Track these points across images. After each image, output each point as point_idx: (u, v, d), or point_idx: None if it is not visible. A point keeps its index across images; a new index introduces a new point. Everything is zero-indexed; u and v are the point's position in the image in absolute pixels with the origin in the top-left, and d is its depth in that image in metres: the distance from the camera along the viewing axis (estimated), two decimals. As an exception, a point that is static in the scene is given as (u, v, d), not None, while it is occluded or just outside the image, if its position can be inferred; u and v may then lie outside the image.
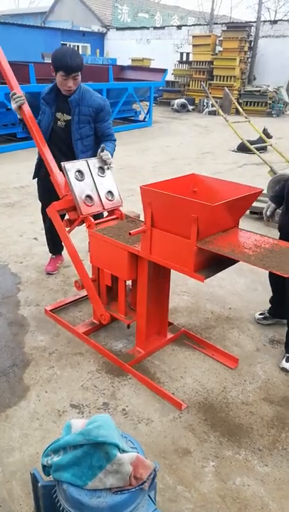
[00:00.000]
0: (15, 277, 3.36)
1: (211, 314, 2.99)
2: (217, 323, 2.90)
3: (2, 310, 2.91)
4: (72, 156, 2.84)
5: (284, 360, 2.47)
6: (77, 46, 20.02)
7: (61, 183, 2.59)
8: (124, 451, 1.22)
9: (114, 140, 2.92)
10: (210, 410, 2.15)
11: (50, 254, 3.51)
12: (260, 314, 2.90)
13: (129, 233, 2.04)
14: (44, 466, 1.31)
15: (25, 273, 3.43)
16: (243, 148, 8.33)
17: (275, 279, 2.70)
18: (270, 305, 2.87)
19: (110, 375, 2.36)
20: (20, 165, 6.78)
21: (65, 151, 2.90)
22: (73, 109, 2.76)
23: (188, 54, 16.69)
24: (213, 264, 2.04)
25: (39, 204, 3.34)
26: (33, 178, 3.16)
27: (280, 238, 2.43)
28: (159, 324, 2.54)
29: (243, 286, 3.41)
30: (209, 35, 15.94)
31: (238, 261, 2.05)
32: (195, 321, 2.89)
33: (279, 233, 2.57)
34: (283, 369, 2.44)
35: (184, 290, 3.26)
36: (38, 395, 2.20)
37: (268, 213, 2.62)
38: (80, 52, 19.95)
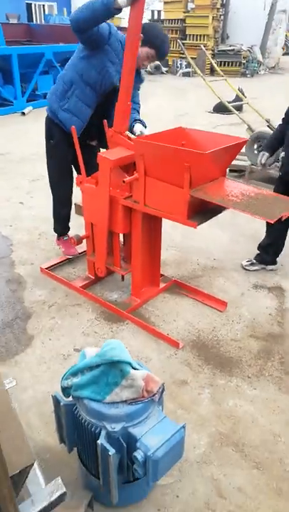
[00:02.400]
0: (6, 240, 3.42)
1: (198, 265, 3.17)
2: (204, 272, 3.08)
3: (-2, 270, 3.01)
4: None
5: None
6: (43, 6, 18.96)
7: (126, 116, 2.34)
8: (135, 369, 1.39)
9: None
10: (203, 347, 2.35)
11: (61, 237, 3.16)
12: (247, 261, 3.11)
13: (123, 181, 2.14)
14: (63, 389, 1.47)
15: (16, 235, 3.49)
16: (219, 109, 8.36)
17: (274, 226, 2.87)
18: (257, 252, 3.10)
19: (108, 321, 2.52)
20: (-4, 131, 6.63)
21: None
22: None
23: (159, 12, 16.13)
24: (202, 212, 2.18)
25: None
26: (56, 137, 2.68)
27: (284, 184, 2.72)
28: (152, 275, 2.70)
29: (226, 239, 3.59)
30: (181, -9, 15.39)
31: (225, 209, 2.20)
32: (183, 272, 3.07)
33: (281, 180, 2.80)
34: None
35: (171, 245, 3.41)
36: (42, 342, 2.35)
37: (263, 161, 2.87)
38: (47, 11, 18.95)
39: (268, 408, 1.98)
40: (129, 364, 1.35)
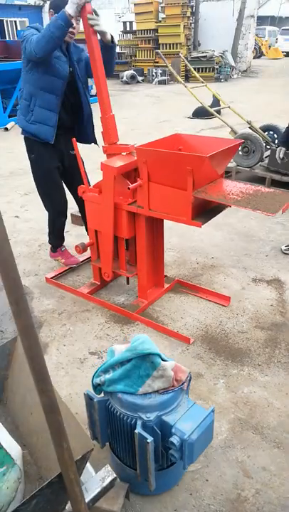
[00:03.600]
0: (8, 252, 3.46)
1: (197, 264, 3.29)
2: (204, 271, 3.19)
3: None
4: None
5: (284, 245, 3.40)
6: (15, 22, 19.06)
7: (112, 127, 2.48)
8: (164, 360, 1.48)
9: None
10: (212, 341, 2.46)
11: (58, 249, 3.20)
12: (285, 246, 3.42)
13: (128, 188, 2.24)
14: (95, 387, 1.55)
15: (16, 248, 3.54)
16: (198, 114, 8.58)
17: None
18: None
19: (119, 324, 2.60)
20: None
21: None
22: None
23: (131, 23, 16.44)
24: (204, 212, 2.30)
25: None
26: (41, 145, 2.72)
27: None
28: (156, 276, 2.80)
29: (221, 238, 3.73)
30: (151, 2, 15.70)
31: (225, 208, 2.33)
32: (184, 272, 3.17)
33: None
34: (281, 250, 3.39)
35: (169, 247, 3.52)
36: (57, 348, 2.41)
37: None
38: (19, 27, 19.02)
39: (281, 392, 2.09)
40: (159, 355, 1.44)
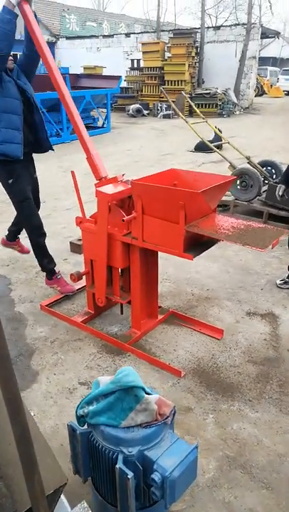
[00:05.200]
0: (5, 279, 3.50)
1: (192, 296, 3.30)
2: (198, 303, 3.20)
3: (-2, 309, 3.07)
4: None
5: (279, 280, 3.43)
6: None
7: (98, 163, 2.65)
8: (148, 394, 1.47)
9: None
10: (203, 374, 2.44)
11: (54, 276, 3.22)
12: (280, 280, 3.45)
13: (123, 220, 2.30)
14: (79, 418, 1.53)
15: (13, 274, 3.58)
16: (200, 148, 8.81)
17: None
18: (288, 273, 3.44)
19: (111, 354, 2.59)
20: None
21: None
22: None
23: (138, 61, 17.16)
24: (197, 245, 2.34)
25: (12, 209, 3.16)
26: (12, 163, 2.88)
27: None
28: (150, 307, 2.81)
29: (217, 270, 3.75)
30: (158, 42, 16.50)
31: (218, 241, 2.37)
32: (179, 303, 3.18)
33: None
34: (275, 284, 3.41)
35: (165, 278, 3.54)
36: (47, 377, 2.40)
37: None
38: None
39: (271, 429, 2.06)
40: (143, 389, 1.44)
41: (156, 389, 2.32)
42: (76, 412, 1.54)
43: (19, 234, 3.66)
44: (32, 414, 1.44)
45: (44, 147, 3.12)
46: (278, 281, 3.43)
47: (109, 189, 2.45)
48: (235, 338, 2.77)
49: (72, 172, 2.61)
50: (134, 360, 2.55)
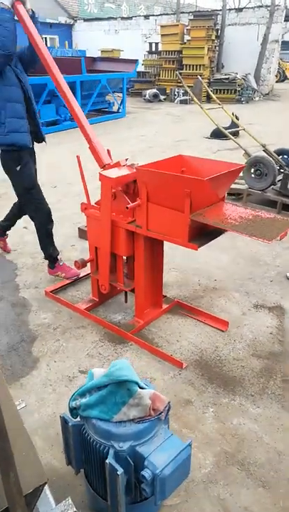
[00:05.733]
0: (11, 264, 3.49)
1: (199, 286, 3.23)
2: (205, 293, 3.13)
3: (3, 293, 3.06)
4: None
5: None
6: (45, 38, 19.73)
7: (100, 151, 2.58)
8: (142, 388, 1.43)
9: None
10: (206, 367, 2.39)
11: (56, 263, 3.19)
12: None
13: (127, 207, 2.23)
14: (71, 410, 1.51)
15: (20, 259, 3.57)
16: (216, 134, 8.60)
17: None
18: None
19: (112, 343, 2.56)
20: None
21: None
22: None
23: (156, 44, 16.80)
24: (203, 234, 2.26)
25: (7, 205, 3.21)
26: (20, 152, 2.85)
27: None
28: (154, 296, 2.76)
29: (226, 261, 3.66)
30: (177, 25, 16.06)
31: (224, 231, 2.28)
32: (185, 293, 3.12)
33: None
34: (286, 276, 3.24)
35: (173, 267, 3.48)
36: (47, 364, 2.38)
37: None
38: (48, 44, 19.68)
39: (272, 426, 2.00)
40: (136, 383, 1.40)
41: (156, 380, 2.28)
42: (69, 403, 1.51)
43: (9, 230, 3.60)
44: (23, 405, 1.41)
45: (40, 137, 3.08)
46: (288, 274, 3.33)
47: (112, 173, 2.37)
48: (241, 331, 2.70)
49: (78, 156, 2.54)
50: (136, 349, 2.51)
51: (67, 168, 6.29)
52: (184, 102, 14.52)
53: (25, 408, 2.05)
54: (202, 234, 2.26)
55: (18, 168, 2.89)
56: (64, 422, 1.49)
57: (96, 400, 1.42)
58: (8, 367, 2.36)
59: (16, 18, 2.64)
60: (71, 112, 2.71)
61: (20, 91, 2.78)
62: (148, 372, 2.33)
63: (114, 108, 11.94)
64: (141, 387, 1.42)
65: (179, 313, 2.85)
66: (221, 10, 16.90)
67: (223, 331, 2.68)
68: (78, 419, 1.51)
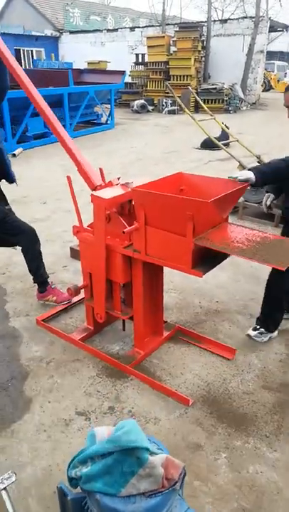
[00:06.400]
0: (0, 289, 3.26)
1: (200, 309, 3.04)
2: (207, 317, 2.95)
3: (-9, 324, 2.83)
4: None
5: (251, 329, 2.71)
6: (31, 51, 19.66)
7: (89, 171, 2.40)
8: (153, 453, 1.23)
9: None
10: (214, 403, 2.19)
11: (48, 286, 3.00)
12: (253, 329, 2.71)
13: (123, 231, 2.04)
14: (71, 479, 1.29)
15: (9, 283, 3.34)
16: (206, 145, 8.50)
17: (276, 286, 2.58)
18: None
19: (111, 378, 2.35)
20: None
21: None
22: None
23: (143, 55, 16.79)
24: (207, 258, 2.08)
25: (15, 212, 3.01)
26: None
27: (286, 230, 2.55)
28: (155, 324, 2.56)
29: (226, 279, 3.49)
30: (163, 36, 16.11)
31: (230, 255, 2.10)
32: (186, 317, 2.93)
33: (284, 225, 2.64)
34: (248, 335, 2.68)
35: (171, 287, 3.29)
36: (41, 406, 2.16)
37: (268, 203, 2.55)
38: (35, 57, 19.60)
39: (293, 474, 1.81)
40: (147, 450, 1.19)
41: (161, 421, 2.07)
42: (67, 471, 1.29)
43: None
44: (13, 479, 1.19)
45: (9, 179, 2.88)
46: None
47: (105, 193, 2.19)
48: (248, 359, 2.52)
49: (68, 177, 2.35)
50: (137, 384, 2.30)
51: (57, 182, 6.09)
52: (172, 112, 14.49)
53: (16, 462, 1.84)
54: (205, 258, 2.08)
55: None
56: (62, 494, 1.27)
57: (100, 469, 1.21)
58: (-3, 410, 2.13)
59: None
60: (54, 132, 2.53)
61: None
62: (152, 411, 2.12)
63: (103, 120, 11.82)
64: (152, 453, 1.22)
65: (182, 340, 2.66)
66: (206, 21, 17.03)
67: (229, 360, 2.49)
68: (79, 489, 1.30)
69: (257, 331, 2.68)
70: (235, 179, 2.13)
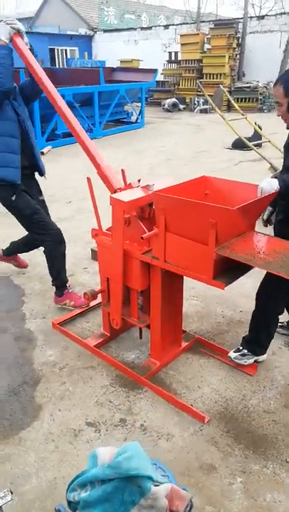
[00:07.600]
0: (19, 289, 3.26)
1: (223, 318, 2.91)
2: (229, 327, 2.81)
3: (8, 324, 2.81)
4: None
5: (232, 351, 2.42)
6: (65, 50, 19.89)
7: (109, 174, 2.40)
8: (157, 482, 1.13)
9: None
10: (231, 421, 2.06)
11: (65, 291, 2.96)
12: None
13: (142, 237, 1.95)
14: (69, 503, 1.22)
15: (28, 284, 3.33)
16: (237, 145, 8.28)
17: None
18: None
19: (125, 388, 2.26)
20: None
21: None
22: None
23: (176, 53, 16.61)
24: (230, 268, 1.96)
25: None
26: (13, 189, 2.69)
27: None
28: (173, 333, 2.45)
29: (251, 287, 3.31)
30: (197, 34, 15.87)
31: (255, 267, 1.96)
32: (207, 327, 2.81)
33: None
34: (229, 357, 2.40)
35: (192, 294, 3.17)
36: (51, 414, 2.10)
37: (265, 217, 2.34)
38: (68, 56, 19.82)
39: (314, 507, 1.66)
40: (150, 478, 1.10)
41: (174, 437, 1.97)
42: (66, 493, 1.22)
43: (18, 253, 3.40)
44: (8, 498, 1.13)
45: (39, 172, 2.94)
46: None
47: (125, 196, 2.10)
48: (271, 375, 2.37)
49: (88, 178, 2.29)
50: (152, 397, 2.21)
51: (82, 181, 6.07)
52: (204, 111, 14.25)
53: (21, 472, 1.79)
54: (228, 268, 1.95)
55: (13, 198, 2.72)
56: (60, 517, 1.20)
57: (99, 496, 1.13)
58: (8, 416, 2.09)
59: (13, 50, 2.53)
60: (74, 134, 2.54)
61: (16, 125, 2.65)
62: (165, 426, 2.03)
63: (133, 118, 11.77)
64: (155, 482, 1.12)
65: (201, 352, 2.54)
66: (242, 18, 16.63)
67: (251, 375, 2.35)
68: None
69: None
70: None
